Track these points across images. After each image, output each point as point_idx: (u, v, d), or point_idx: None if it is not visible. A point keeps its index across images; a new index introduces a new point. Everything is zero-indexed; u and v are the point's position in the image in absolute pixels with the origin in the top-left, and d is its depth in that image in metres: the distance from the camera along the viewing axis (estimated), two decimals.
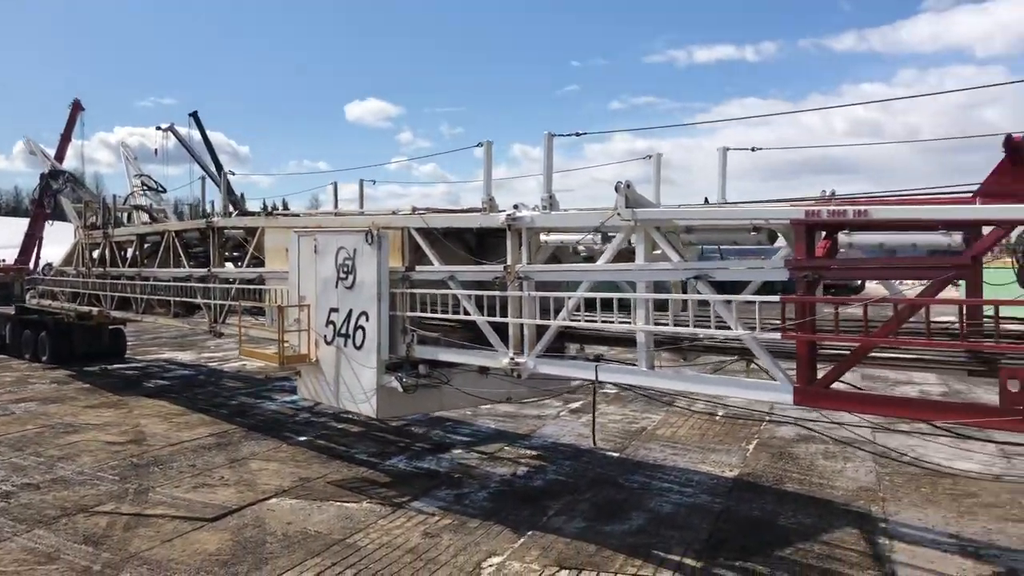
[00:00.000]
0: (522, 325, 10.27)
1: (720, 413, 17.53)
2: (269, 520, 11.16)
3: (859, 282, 15.29)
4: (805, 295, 7.19)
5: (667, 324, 8.83)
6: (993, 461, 13.66)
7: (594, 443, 13.02)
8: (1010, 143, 5.91)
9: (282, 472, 13.62)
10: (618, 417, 18.45)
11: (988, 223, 6.25)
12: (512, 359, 10.29)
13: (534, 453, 15.20)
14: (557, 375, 10.42)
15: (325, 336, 12.62)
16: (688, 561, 9.64)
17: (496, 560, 9.61)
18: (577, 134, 10.51)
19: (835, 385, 7.45)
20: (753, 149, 11.44)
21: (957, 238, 6.37)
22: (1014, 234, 6.32)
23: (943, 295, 6.84)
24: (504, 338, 10.46)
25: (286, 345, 12.86)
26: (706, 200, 11.93)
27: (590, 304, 9.24)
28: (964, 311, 6.93)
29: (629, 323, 9.01)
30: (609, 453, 15.24)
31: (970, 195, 6.39)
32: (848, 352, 7.40)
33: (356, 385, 12.00)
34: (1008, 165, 5.96)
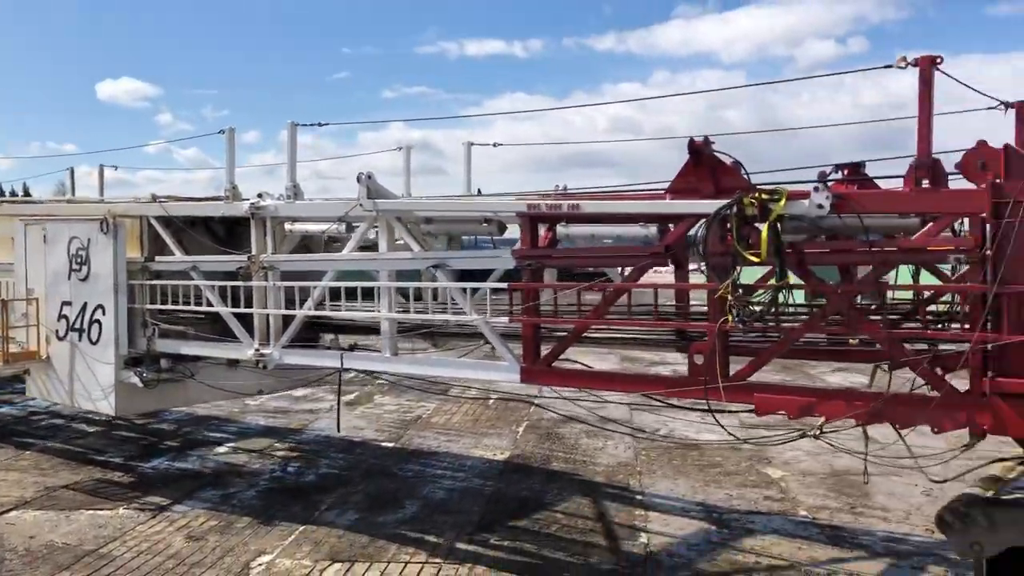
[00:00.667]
0: (268, 316, 10.17)
1: (493, 398, 18.04)
2: (9, 535, 10.19)
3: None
4: (530, 282, 7.64)
5: (408, 312, 9.04)
6: (735, 432, 15.18)
7: (338, 429, 13.02)
8: (692, 146, 6.61)
9: (24, 482, 12.46)
10: (393, 407, 18.50)
11: (676, 217, 6.95)
12: (257, 351, 10.17)
13: (307, 448, 14.92)
14: (304, 365, 10.47)
15: (57, 331, 11.96)
16: (460, 545, 9.89)
17: (265, 559, 9.40)
18: (320, 124, 11.13)
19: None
20: (495, 145, 12.19)
21: (653, 230, 7.03)
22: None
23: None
24: (252, 329, 10.31)
25: (13, 342, 12.17)
26: (479, 191, 12.36)
27: (351, 294, 9.29)
28: (675, 295, 7.56)
29: (372, 311, 9.13)
30: (384, 444, 15.27)
31: (663, 192, 7.04)
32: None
33: (93, 382, 11.44)
34: (691, 166, 6.66)
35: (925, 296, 7.13)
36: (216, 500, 11.63)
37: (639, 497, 11.93)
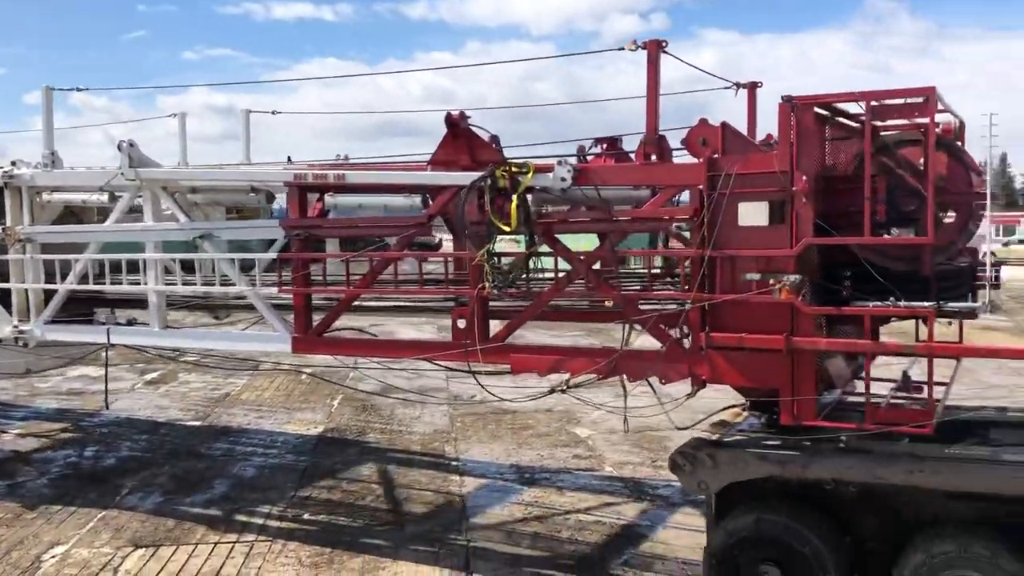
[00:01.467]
0: (26, 291, 9.74)
1: (307, 371, 18.05)
2: None
3: (437, 240, 16.58)
4: (300, 252, 7.80)
5: (176, 284, 8.95)
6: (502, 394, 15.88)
7: (107, 406, 12.73)
8: (449, 120, 6.97)
9: None
10: (199, 384, 18.14)
11: (437, 188, 7.32)
12: (16, 327, 9.77)
13: (105, 430, 14.46)
14: (70, 341, 10.18)
15: None
16: (272, 522, 9.88)
17: (59, 550, 9.04)
18: (79, 89, 10.91)
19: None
20: (273, 112, 12.12)
21: (417, 200, 7.37)
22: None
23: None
24: (10, 306, 9.86)
25: None
26: (289, 159, 12.28)
27: (133, 267, 9.07)
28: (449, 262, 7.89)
29: (139, 284, 8.99)
30: (190, 423, 15.00)
31: (426, 163, 7.38)
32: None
33: None
34: (450, 139, 7.03)
35: (656, 261, 7.77)
36: (2, 492, 11.10)
37: (454, 463, 12.31)
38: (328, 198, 7.85)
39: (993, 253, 48.18)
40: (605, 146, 8.53)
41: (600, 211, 7.11)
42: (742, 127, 7.43)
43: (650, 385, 7.33)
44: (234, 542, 9.26)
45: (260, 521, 9.94)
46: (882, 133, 6.79)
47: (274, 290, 7.97)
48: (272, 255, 7.89)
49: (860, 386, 6.82)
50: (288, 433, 14.17)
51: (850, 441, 6.55)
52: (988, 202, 5.99)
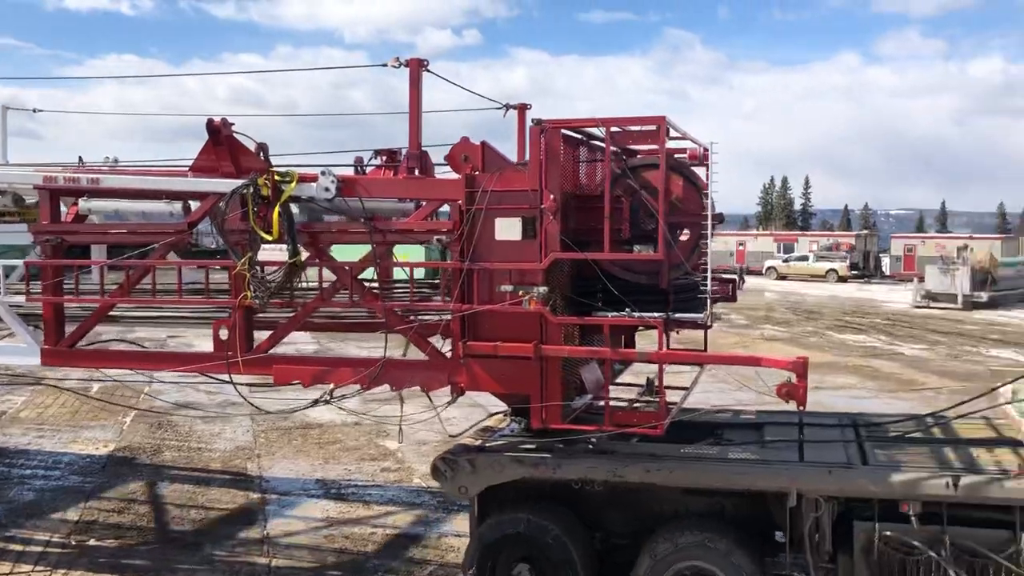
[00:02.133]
0: None
1: (95, 387, 16.99)
2: None
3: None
4: (51, 259, 7.46)
5: None
6: (355, 408, 15.70)
7: None
8: (211, 126, 6.91)
9: None
10: None
11: (197, 194, 7.23)
12: None
13: None
14: None
15: None
16: (53, 550, 9.18)
17: None
18: None
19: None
20: (35, 111, 11.50)
21: (178, 207, 7.24)
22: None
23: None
24: None
25: None
26: (80, 160, 11.56)
27: None
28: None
29: None
30: None
31: (187, 169, 7.28)
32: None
33: None
34: (211, 145, 6.96)
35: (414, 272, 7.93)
36: None
37: (257, 480, 11.90)
38: (83, 203, 7.49)
39: (746, 270, 51.86)
40: (384, 158, 8.66)
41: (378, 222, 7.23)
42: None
43: (399, 396, 7.42)
44: (8, 573, 8.60)
45: (39, 549, 9.26)
46: (631, 158, 7.35)
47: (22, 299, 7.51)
48: (17, 262, 7.43)
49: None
50: (73, 453, 13.22)
51: (600, 443, 7.02)
52: (711, 223, 6.65)
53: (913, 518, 6.37)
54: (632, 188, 7.03)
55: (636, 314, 6.45)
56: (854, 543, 6.57)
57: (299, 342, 20.40)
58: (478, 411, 8.65)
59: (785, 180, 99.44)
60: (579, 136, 7.23)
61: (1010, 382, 7.75)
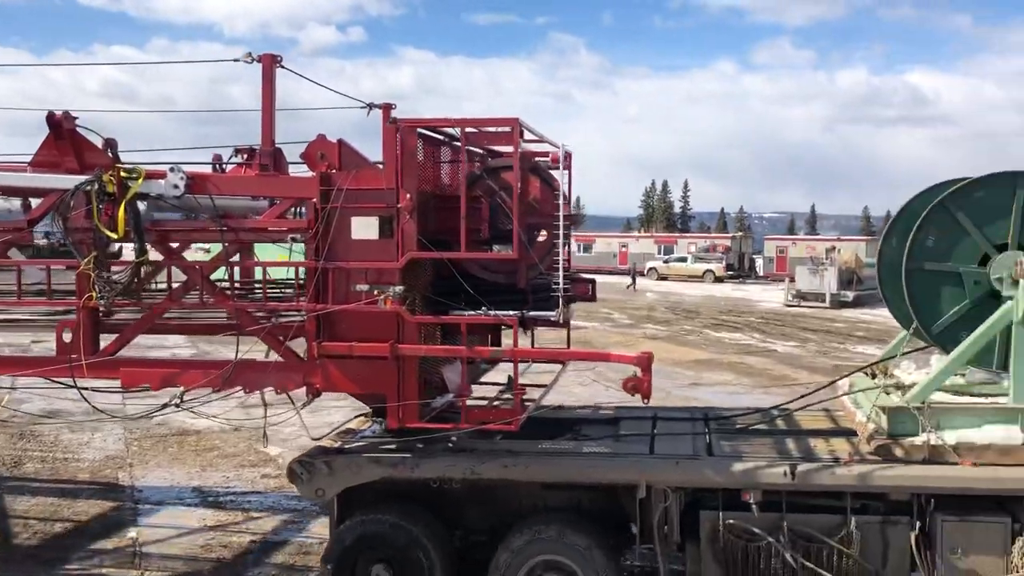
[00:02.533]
0: None
1: None
2: None
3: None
4: None
5: None
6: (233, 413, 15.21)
7: None
8: (51, 120, 6.63)
9: None
10: None
11: (36, 191, 6.92)
12: None
13: None
14: None
15: None
16: None
17: None
18: None
19: None
20: None
21: (16, 203, 6.91)
22: None
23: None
24: None
25: None
26: None
27: None
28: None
29: None
30: None
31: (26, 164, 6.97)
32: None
33: None
34: (52, 140, 6.68)
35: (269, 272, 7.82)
36: None
37: (129, 491, 11.31)
38: None
39: (635, 271, 52.90)
40: (244, 156, 8.45)
41: (233, 219, 7.05)
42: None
43: (288, 396, 7.33)
44: None
45: None
46: (494, 159, 7.43)
47: None
48: None
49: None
50: None
51: (461, 441, 7.06)
52: (562, 224, 6.82)
53: (754, 506, 6.68)
54: (491, 189, 7.11)
55: (492, 313, 6.52)
56: (700, 532, 6.84)
57: (178, 346, 19.67)
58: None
59: (666, 184, 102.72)
60: (440, 136, 7.26)
61: (847, 375, 8.21)
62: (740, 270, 57.88)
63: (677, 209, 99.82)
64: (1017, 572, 6.39)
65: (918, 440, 6.67)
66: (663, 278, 55.40)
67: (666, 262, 55.75)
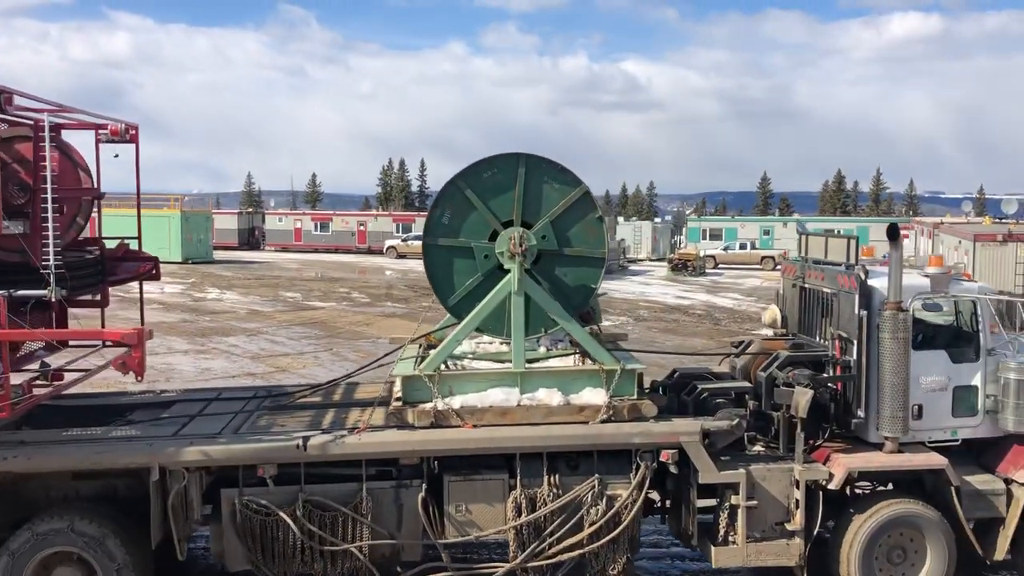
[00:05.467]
0: None
1: None
2: None
3: None
4: None
5: None
6: None
7: None
8: None
9: None
10: None
11: None
12: None
13: None
14: None
15: None
16: None
17: None
18: None
19: None
20: None
21: None
22: None
23: None
24: None
25: None
26: None
27: None
28: None
29: None
30: None
31: None
32: None
33: None
34: None
35: None
36: None
37: None
38: None
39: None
40: None
41: None
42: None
43: None
44: None
45: None
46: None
47: None
48: None
49: None
50: None
51: None
52: (50, 198, 6.52)
53: (269, 480, 6.77)
54: (4, 161, 6.66)
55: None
56: (223, 510, 6.83)
57: None
58: None
59: (403, 162, 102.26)
60: None
61: (408, 343, 8.36)
62: None
63: (415, 188, 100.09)
64: (513, 522, 6.94)
65: (428, 406, 7.04)
66: (402, 256, 55.55)
67: (404, 240, 55.97)
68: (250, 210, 68.29)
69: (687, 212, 68.38)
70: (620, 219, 63.18)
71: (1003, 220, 36.27)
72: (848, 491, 7.59)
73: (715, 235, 52.20)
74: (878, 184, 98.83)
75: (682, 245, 54.24)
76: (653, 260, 53.74)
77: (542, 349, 8.02)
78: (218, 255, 49.95)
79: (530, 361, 7.64)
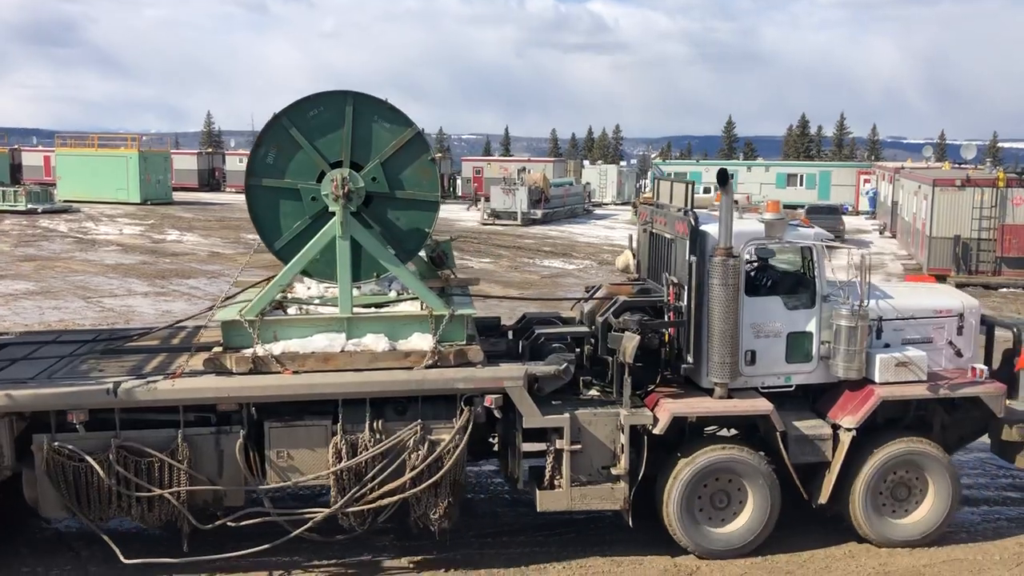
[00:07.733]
0: None
1: None
2: None
3: None
4: None
5: None
6: None
7: None
8: None
9: None
10: None
11: None
12: None
13: None
14: None
15: None
16: None
17: None
18: None
19: None
20: None
21: None
22: None
23: None
24: None
25: None
26: None
27: None
28: None
29: None
30: None
31: None
32: None
33: None
34: None
35: None
36: None
37: None
38: None
39: None
40: None
41: None
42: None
43: None
44: None
45: None
46: None
47: None
48: None
49: None
50: None
51: None
52: None
53: (79, 426, 6.65)
54: None
55: None
56: (36, 457, 6.72)
57: None
58: None
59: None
60: None
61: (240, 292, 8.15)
62: (447, 189, 58.69)
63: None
64: (333, 467, 6.88)
65: (247, 352, 6.91)
66: None
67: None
68: (210, 150, 67.03)
69: (652, 156, 67.96)
70: (586, 163, 62.63)
71: (962, 165, 36.53)
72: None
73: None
74: (841, 129, 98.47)
75: (646, 190, 53.99)
76: (618, 204, 53.48)
77: (392, 293, 7.87)
78: (178, 196, 49.29)
79: (378, 306, 7.53)
